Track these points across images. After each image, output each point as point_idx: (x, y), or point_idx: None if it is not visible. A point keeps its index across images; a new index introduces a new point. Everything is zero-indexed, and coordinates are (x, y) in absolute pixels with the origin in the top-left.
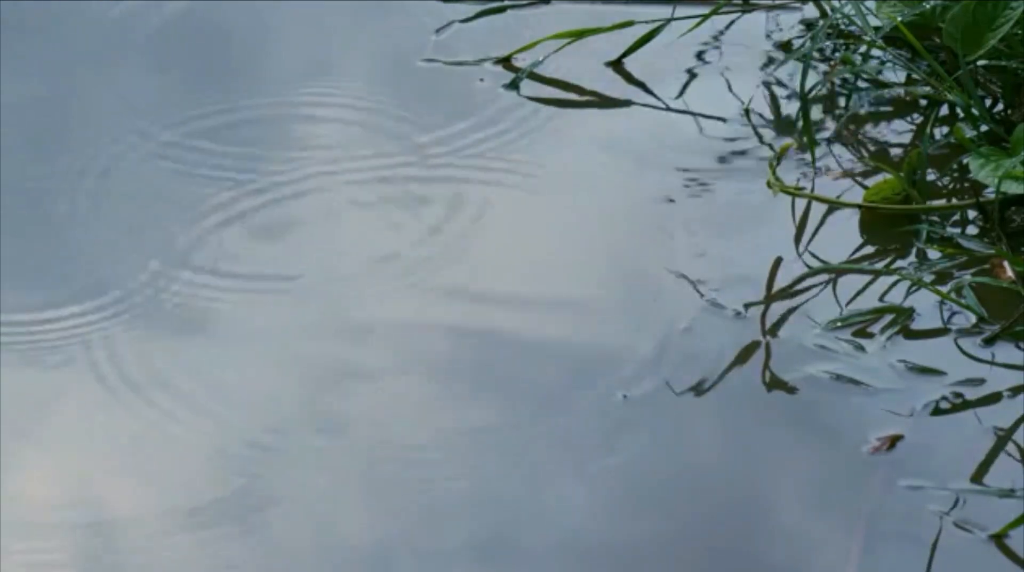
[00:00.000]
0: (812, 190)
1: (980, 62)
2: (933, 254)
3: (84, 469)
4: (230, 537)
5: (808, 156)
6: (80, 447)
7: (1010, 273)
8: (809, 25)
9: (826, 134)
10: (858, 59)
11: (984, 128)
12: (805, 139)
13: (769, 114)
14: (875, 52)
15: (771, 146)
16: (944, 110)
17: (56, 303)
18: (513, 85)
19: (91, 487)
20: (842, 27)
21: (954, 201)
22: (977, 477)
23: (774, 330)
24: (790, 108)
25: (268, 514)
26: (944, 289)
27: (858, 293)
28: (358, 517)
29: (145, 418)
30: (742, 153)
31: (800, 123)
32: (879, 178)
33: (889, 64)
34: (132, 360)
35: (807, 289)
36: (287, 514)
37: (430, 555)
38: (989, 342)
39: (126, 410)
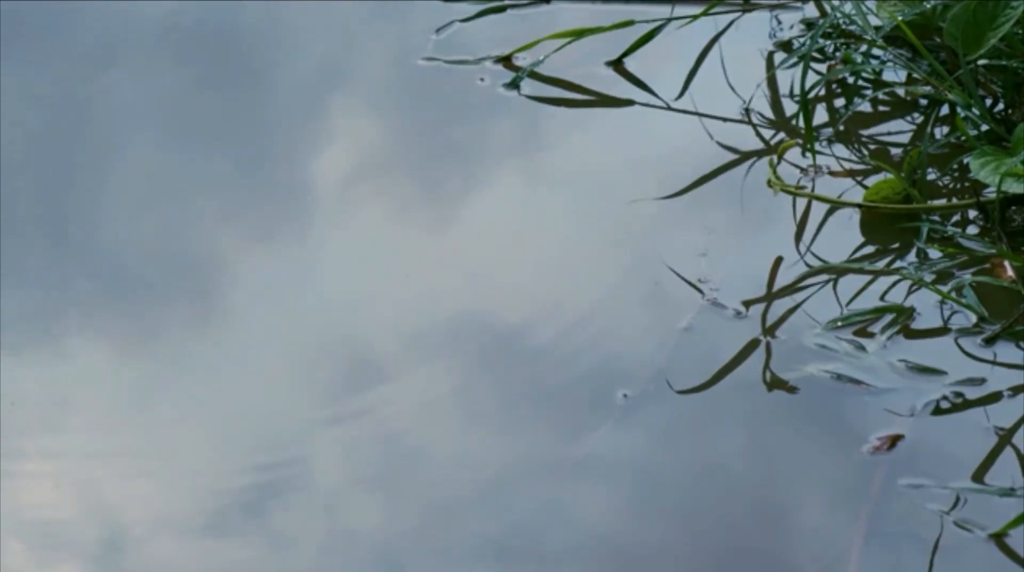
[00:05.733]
0: (812, 190)
1: (980, 61)
2: (933, 253)
3: (87, 468)
4: (237, 537)
5: (808, 156)
6: (82, 446)
7: (1010, 273)
8: (810, 24)
9: (826, 134)
10: (858, 59)
11: (984, 127)
12: (805, 139)
13: (769, 114)
14: (875, 51)
15: (771, 146)
16: (944, 110)
17: (57, 301)
18: (513, 85)
19: (93, 486)
20: (843, 26)
21: (954, 201)
22: (977, 476)
23: (774, 330)
24: (790, 108)
25: (278, 513)
26: (945, 289)
27: (858, 293)
28: (369, 516)
29: (149, 418)
30: (742, 153)
31: (800, 123)
32: (879, 178)
33: (889, 64)
34: (135, 358)
35: (808, 288)
36: (297, 513)
37: (441, 554)
38: (989, 342)
39: (129, 409)
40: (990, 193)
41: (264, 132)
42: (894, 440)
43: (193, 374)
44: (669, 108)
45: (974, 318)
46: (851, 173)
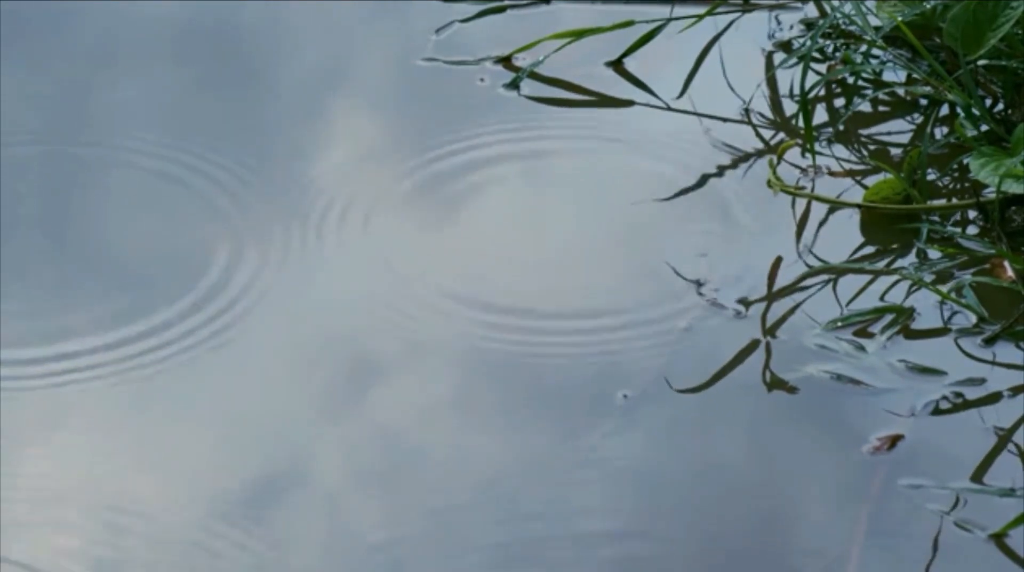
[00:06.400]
0: (812, 190)
1: (980, 62)
2: (933, 254)
3: (88, 468)
4: (237, 537)
5: (808, 156)
6: (84, 446)
7: (1010, 273)
8: (810, 25)
9: (826, 134)
10: (858, 59)
11: (984, 128)
12: (805, 139)
13: (769, 114)
14: (875, 52)
15: (771, 146)
16: (944, 110)
17: (59, 308)
18: (513, 85)
19: (94, 486)
20: (842, 27)
21: (954, 201)
22: (977, 477)
23: (774, 330)
24: (790, 108)
25: (277, 514)
26: (944, 289)
27: (858, 293)
28: (369, 516)
29: (149, 418)
30: (742, 153)
31: (800, 123)
32: (879, 178)
33: (889, 64)
34: (135, 358)
35: (807, 289)
36: (297, 514)
37: (441, 554)
38: (989, 342)
39: (129, 409)
40: (990, 193)
41: (264, 132)
42: (894, 440)
43: (193, 374)
44: (669, 108)
45: (974, 318)
46: (851, 173)
